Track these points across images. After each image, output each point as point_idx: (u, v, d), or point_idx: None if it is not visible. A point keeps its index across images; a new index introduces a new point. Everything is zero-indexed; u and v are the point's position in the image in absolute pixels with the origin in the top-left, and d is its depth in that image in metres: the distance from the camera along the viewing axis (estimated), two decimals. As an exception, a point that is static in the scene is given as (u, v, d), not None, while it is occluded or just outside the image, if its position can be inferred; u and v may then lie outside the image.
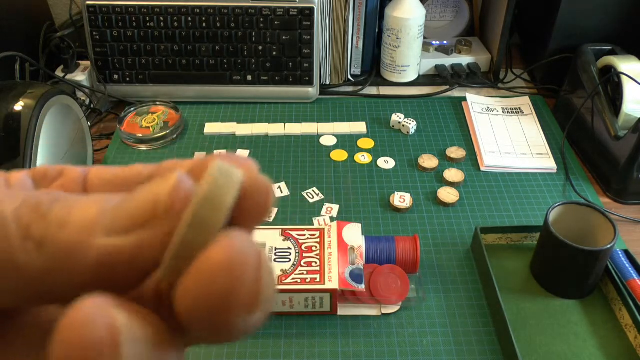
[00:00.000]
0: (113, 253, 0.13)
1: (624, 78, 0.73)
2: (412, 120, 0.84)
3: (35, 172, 0.16)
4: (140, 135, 0.81)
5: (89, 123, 0.79)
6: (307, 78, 0.89)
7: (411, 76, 0.96)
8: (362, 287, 0.56)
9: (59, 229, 0.13)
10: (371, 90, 0.95)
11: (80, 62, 0.93)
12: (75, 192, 0.16)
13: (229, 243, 0.13)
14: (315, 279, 0.56)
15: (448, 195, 0.72)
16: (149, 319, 0.13)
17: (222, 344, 0.14)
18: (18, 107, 0.63)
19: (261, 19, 0.86)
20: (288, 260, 0.58)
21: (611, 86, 0.77)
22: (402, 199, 0.71)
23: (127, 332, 0.12)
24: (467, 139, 0.83)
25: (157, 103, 0.87)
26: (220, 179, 0.14)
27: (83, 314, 0.12)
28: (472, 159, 0.79)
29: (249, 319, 0.13)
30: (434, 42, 1.00)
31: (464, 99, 0.91)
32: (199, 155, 0.80)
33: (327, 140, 0.83)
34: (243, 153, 0.80)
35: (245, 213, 0.15)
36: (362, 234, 0.61)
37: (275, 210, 0.71)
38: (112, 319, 0.12)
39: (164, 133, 0.81)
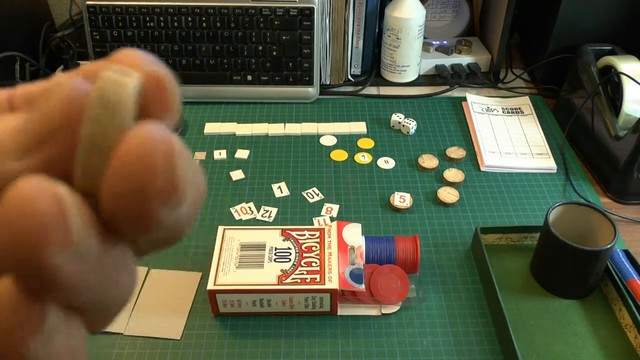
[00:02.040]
0: (19, 172, 0.13)
1: (624, 78, 0.73)
2: (412, 120, 0.84)
3: None
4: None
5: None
6: (307, 78, 0.89)
7: (411, 76, 0.96)
8: (362, 287, 0.56)
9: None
10: (371, 90, 0.95)
11: (80, 62, 0.93)
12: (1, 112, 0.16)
13: (137, 134, 0.13)
14: (315, 279, 0.56)
15: (448, 195, 0.72)
16: (85, 207, 0.13)
17: (161, 242, 0.14)
18: (18, 107, 0.62)
19: (261, 19, 0.86)
20: (288, 260, 0.58)
21: (611, 86, 0.77)
22: (402, 199, 0.71)
23: (71, 205, 0.12)
24: (467, 139, 0.83)
25: (157, 103, 0.87)
26: (113, 77, 0.13)
27: (28, 185, 0.12)
28: (472, 159, 0.79)
29: (172, 209, 0.13)
30: (434, 42, 1.00)
31: (464, 99, 0.91)
32: (199, 155, 0.80)
33: (327, 140, 0.83)
34: (243, 153, 0.80)
35: (151, 108, 0.15)
36: (362, 234, 0.61)
37: (275, 210, 0.71)
38: (58, 192, 0.12)
39: (164, 133, 0.81)
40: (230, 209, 0.71)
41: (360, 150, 0.81)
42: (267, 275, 0.56)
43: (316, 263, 0.57)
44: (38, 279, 0.12)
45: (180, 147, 0.13)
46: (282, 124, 0.86)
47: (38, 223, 0.12)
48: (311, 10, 0.86)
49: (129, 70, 0.14)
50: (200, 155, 0.80)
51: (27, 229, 0.11)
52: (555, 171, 0.77)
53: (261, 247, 0.59)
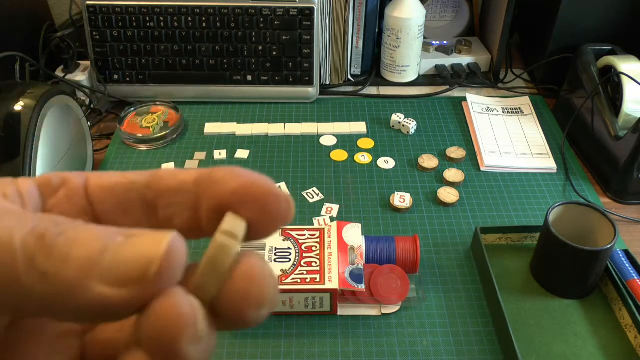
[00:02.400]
0: (105, 301, 0.15)
1: (624, 78, 0.73)
2: (412, 120, 0.84)
3: (40, 181, 0.18)
4: (140, 135, 0.81)
5: (89, 123, 0.79)
6: (307, 78, 0.89)
7: (411, 76, 0.96)
8: (362, 287, 0.56)
9: (61, 265, 0.14)
10: (371, 90, 0.95)
11: (80, 62, 0.93)
12: (79, 205, 0.18)
13: (251, 278, 0.17)
14: (315, 279, 0.56)
15: (448, 195, 0.72)
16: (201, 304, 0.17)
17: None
18: (18, 107, 0.63)
19: (261, 19, 0.86)
20: (288, 260, 0.58)
21: (611, 86, 0.77)
22: (402, 199, 0.71)
23: (199, 310, 0.16)
24: (467, 139, 0.83)
25: (157, 103, 0.87)
26: (222, 242, 0.17)
27: (173, 295, 0.15)
28: (472, 159, 0.79)
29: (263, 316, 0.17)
30: (434, 42, 1.00)
31: (464, 99, 0.91)
32: (199, 155, 0.80)
33: (327, 140, 0.83)
34: (243, 153, 0.80)
35: (261, 225, 0.18)
36: (362, 234, 0.61)
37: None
38: (192, 301, 0.15)
39: (164, 133, 0.81)
40: (230, 209, 0.71)
41: (360, 150, 0.81)
42: (267, 275, 0.56)
43: (316, 263, 0.57)
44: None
45: (272, 280, 0.17)
46: (282, 124, 0.86)
47: (180, 321, 0.15)
48: (311, 10, 0.86)
49: (237, 230, 0.17)
50: (200, 155, 0.80)
51: (173, 324, 0.15)
52: (555, 171, 0.77)
53: (261, 247, 0.59)
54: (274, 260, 0.58)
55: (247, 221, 0.17)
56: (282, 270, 0.57)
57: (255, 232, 0.18)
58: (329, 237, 0.60)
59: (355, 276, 0.57)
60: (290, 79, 0.89)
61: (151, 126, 0.83)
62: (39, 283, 0.14)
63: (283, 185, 0.75)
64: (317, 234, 0.60)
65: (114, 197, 0.18)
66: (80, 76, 0.90)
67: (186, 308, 0.15)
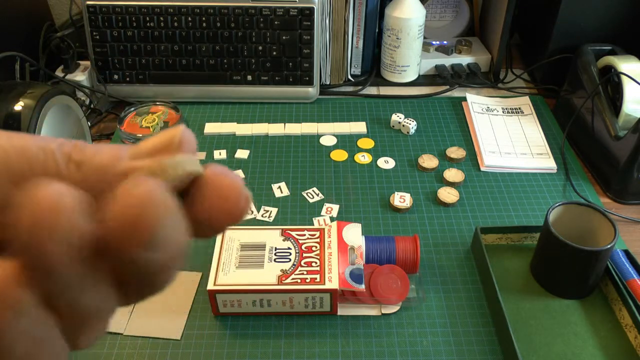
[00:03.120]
0: (137, 169, 0.17)
1: (624, 78, 0.73)
2: (412, 120, 0.84)
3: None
4: (141, 135, 0.81)
5: (89, 123, 0.79)
6: (307, 78, 0.89)
7: (411, 76, 0.96)
8: (362, 287, 0.56)
9: (94, 155, 0.17)
10: (371, 90, 0.95)
11: (80, 62, 0.93)
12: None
13: (136, 182, 0.16)
14: (315, 279, 0.56)
15: (448, 195, 0.72)
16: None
17: (140, 287, 0.18)
18: (18, 107, 0.63)
19: (261, 19, 0.86)
20: (288, 260, 0.58)
21: (611, 86, 0.77)
22: (402, 199, 0.71)
23: (172, 201, 0.16)
24: (467, 139, 0.83)
25: (157, 103, 0.87)
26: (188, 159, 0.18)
27: (144, 182, 0.16)
28: (472, 159, 0.79)
29: (146, 250, 0.16)
30: (434, 42, 1.00)
31: (464, 99, 0.91)
32: (199, 155, 0.80)
33: (327, 140, 0.83)
34: (243, 153, 0.80)
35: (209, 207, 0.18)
36: (362, 234, 0.61)
37: (275, 210, 0.71)
38: (164, 187, 0.16)
39: (164, 133, 0.81)
40: (230, 209, 0.71)
41: (360, 150, 0.81)
42: (267, 275, 0.56)
43: (316, 263, 0.57)
44: (41, 265, 0.15)
45: (166, 206, 0.16)
46: (282, 124, 0.86)
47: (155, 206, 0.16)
48: (311, 10, 0.86)
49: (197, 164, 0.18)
50: (200, 156, 0.80)
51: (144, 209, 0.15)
52: (555, 171, 0.77)
53: (261, 247, 0.59)
54: (274, 260, 0.58)
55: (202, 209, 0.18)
56: (282, 270, 0.57)
57: (209, 223, 0.18)
58: (329, 237, 0.60)
59: (355, 276, 0.57)
60: (290, 79, 0.89)
61: (151, 126, 0.83)
62: (75, 172, 0.17)
63: (283, 185, 0.75)
64: (317, 234, 0.60)
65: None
66: (80, 76, 0.90)
67: (161, 191, 0.16)
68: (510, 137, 0.83)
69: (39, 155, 0.17)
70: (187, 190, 0.18)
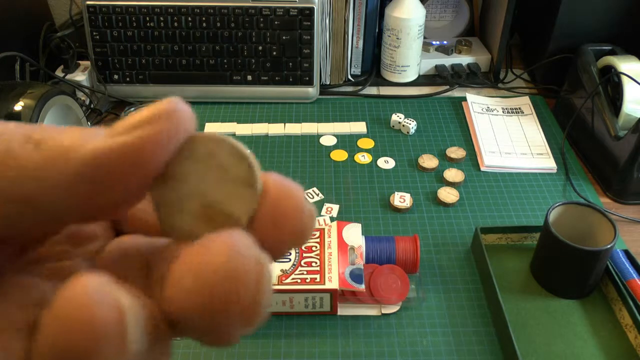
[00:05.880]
0: (111, 150, 0.13)
1: (624, 78, 0.73)
2: (412, 120, 0.84)
3: None
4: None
5: (89, 123, 0.79)
6: (307, 78, 0.89)
7: (411, 76, 0.96)
8: (362, 287, 0.56)
9: (58, 134, 0.13)
10: (371, 90, 0.95)
11: (80, 62, 0.93)
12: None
13: (230, 241, 0.12)
14: (315, 279, 0.56)
15: (448, 195, 0.72)
16: (144, 302, 0.12)
17: (210, 346, 0.13)
18: (18, 107, 0.63)
19: (261, 19, 0.86)
20: (288, 260, 0.58)
21: (611, 86, 0.77)
22: (402, 199, 0.71)
23: (132, 315, 0.11)
24: (467, 139, 0.83)
25: (157, 103, 0.87)
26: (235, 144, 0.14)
27: (86, 290, 0.11)
28: (472, 159, 0.79)
29: (244, 329, 0.13)
30: (434, 42, 1.00)
31: (464, 99, 0.91)
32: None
33: (327, 140, 0.83)
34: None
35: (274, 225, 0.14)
36: (362, 234, 0.61)
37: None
38: (118, 300, 0.11)
39: (164, 133, 0.81)
40: (230, 209, 0.71)
41: (360, 150, 0.81)
42: (267, 275, 0.56)
43: (316, 263, 0.57)
44: None
45: (268, 266, 0.13)
46: (282, 124, 0.86)
47: (95, 333, 0.11)
48: (311, 10, 0.86)
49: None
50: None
51: (82, 338, 0.11)
52: (555, 171, 0.77)
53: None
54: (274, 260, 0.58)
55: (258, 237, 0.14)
56: (282, 270, 0.57)
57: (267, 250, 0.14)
58: (329, 237, 0.60)
59: (355, 276, 0.57)
60: (290, 79, 0.89)
61: (151, 126, 0.83)
62: (33, 151, 0.13)
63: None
64: (317, 234, 0.60)
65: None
66: (80, 76, 0.90)
67: (103, 308, 0.11)
68: (510, 137, 0.83)
69: None
70: None
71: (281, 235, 0.14)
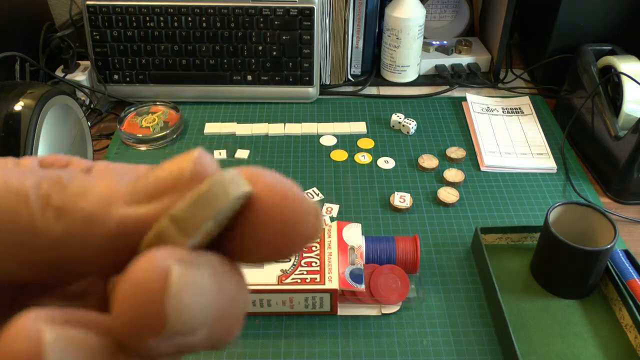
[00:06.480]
0: (134, 221, 0.13)
1: (624, 78, 0.73)
2: (412, 120, 0.84)
3: (43, 159, 0.16)
4: (140, 135, 0.81)
5: (89, 123, 0.79)
6: (307, 78, 0.89)
7: (411, 76, 0.96)
8: (362, 287, 0.56)
9: (79, 198, 0.13)
10: (371, 90, 0.95)
11: (80, 62, 0.93)
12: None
13: (142, 259, 0.12)
14: (315, 279, 0.56)
15: (448, 195, 0.72)
16: (91, 336, 0.12)
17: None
18: (18, 107, 0.63)
19: (261, 19, 0.86)
20: (288, 260, 0.58)
21: (611, 86, 0.77)
22: (402, 199, 0.71)
23: (53, 350, 0.11)
24: (467, 139, 0.83)
25: (157, 103, 0.87)
26: (230, 177, 0.13)
27: (18, 326, 0.11)
28: (472, 159, 0.79)
29: (164, 339, 0.12)
30: (434, 42, 1.00)
31: (464, 99, 0.91)
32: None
33: (327, 140, 0.83)
34: (243, 153, 0.80)
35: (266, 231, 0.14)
36: (362, 234, 0.61)
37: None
38: (38, 334, 0.11)
39: (164, 133, 0.81)
40: (230, 209, 0.71)
41: (360, 150, 0.81)
42: (267, 275, 0.56)
43: (316, 263, 0.57)
44: None
45: (183, 276, 0.12)
46: (282, 124, 0.86)
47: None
48: (311, 10, 0.86)
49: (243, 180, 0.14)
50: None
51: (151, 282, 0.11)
52: (555, 171, 0.77)
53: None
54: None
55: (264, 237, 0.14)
56: (282, 270, 0.57)
57: (270, 253, 0.14)
58: (329, 237, 0.60)
59: (355, 276, 0.57)
60: (290, 79, 0.89)
61: (151, 126, 0.83)
62: (54, 222, 0.12)
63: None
64: (317, 234, 0.60)
65: None
66: (80, 76, 0.90)
67: (22, 342, 0.11)
68: (510, 137, 0.83)
69: (8, 199, 0.12)
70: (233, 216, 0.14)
71: (287, 239, 0.14)
